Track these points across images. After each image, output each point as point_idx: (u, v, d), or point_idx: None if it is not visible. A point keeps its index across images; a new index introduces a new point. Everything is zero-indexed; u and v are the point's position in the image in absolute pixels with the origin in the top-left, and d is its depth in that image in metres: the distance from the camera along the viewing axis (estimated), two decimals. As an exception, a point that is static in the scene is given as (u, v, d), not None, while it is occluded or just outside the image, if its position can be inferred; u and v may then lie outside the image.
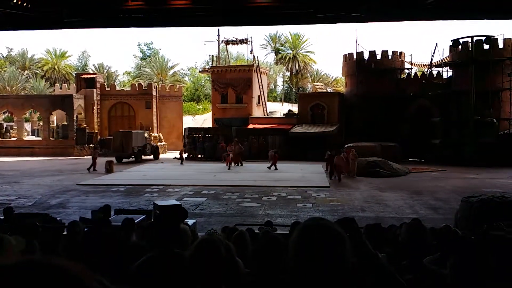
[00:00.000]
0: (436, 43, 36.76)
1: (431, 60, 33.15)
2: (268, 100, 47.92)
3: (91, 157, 25.96)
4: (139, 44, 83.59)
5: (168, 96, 42.89)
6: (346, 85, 37.65)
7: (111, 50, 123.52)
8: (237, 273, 2.56)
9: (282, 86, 71.75)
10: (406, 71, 34.90)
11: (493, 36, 28.57)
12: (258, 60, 41.32)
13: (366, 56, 33.90)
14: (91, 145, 33.31)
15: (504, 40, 29.56)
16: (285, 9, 14.72)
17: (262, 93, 40.09)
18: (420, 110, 31.88)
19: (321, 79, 67.22)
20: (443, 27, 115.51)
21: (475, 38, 28.55)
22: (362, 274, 1.79)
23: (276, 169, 24.56)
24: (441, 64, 32.55)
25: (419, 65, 36.48)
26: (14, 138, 38.58)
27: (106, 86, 42.23)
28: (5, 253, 2.00)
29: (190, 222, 7.95)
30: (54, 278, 0.71)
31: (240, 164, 26.88)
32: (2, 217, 7.90)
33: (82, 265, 0.75)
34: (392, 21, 17.47)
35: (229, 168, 26.04)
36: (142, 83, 43.95)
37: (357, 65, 33.67)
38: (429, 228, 5.69)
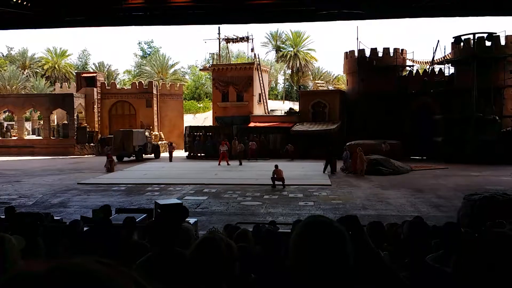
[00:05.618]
0: (438, 40, 37.05)
1: (433, 57, 33.08)
2: (269, 98, 47.90)
3: (105, 156, 25.92)
4: (139, 43, 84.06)
5: (168, 95, 42.89)
6: (347, 82, 37.60)
7: (112, 49, 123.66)
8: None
9: (283, 84, 71.74)
10: (407, 68, 34.78)
11: (495, 33, 28.46)
12: (259, 58, 41.28)
13: (367, 53, 33.80)
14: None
15: (506, 37, 29.45)
16: (286, 6, 14.67)
17: (263, 91, 40.05)
18: (422, 107, 31.82)
19: (322, 77, 67.17)
20: (444, 24, 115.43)
21: (477, 35, 28.45)
22: (363, 272, 1.78)
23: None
24: (443, 61, 32.46)
25: (420, 62, 36.39)
26: (15, 137, 38.64)
27: (106, 84, 42.24)
28: (6, 253, 1.98)
29: (192, 220, 7.94)
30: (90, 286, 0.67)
31: (240, 163, 26.97)
32: (3, 216, 7.89)
33: (119, 267, 0.71)
34: (393, 18, 17.42)
35: (240, 164, 26.85)
36: (143, 82, 43.94)
37: (358, 63, 33.59)
38: (431, 226, 5.67)
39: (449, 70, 32.55)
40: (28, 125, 46.64)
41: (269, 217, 11.82)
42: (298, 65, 64.45)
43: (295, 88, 64.04)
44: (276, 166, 18.37)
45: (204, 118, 53.93)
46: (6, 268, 1.82)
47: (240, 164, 27.04)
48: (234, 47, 60.45)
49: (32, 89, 59.92)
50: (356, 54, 34.27)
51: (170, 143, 32.35)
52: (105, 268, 0.70)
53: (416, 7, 14.30)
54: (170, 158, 30.58)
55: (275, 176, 17.89)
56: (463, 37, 28.75)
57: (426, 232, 3.08)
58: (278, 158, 30.06)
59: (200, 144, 33.03)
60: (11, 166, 26.91)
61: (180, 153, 35.79)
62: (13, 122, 43.32)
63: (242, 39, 42.68)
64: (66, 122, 37.38)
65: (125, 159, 30.09)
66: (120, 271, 0.71)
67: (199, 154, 32.88)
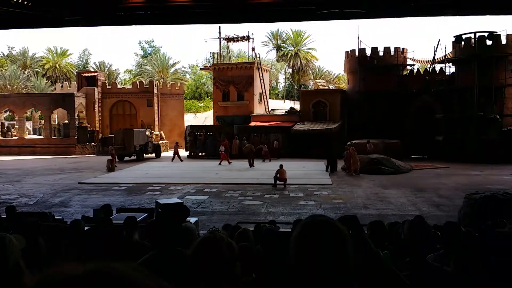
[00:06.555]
0: (439, 39, 36.80)
1: (434, 56, 33.03)
2: (270, 98, 47.90)
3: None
4: (140, 42, 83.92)
5: (169, 94, 42.90)
6: (348, 82, 37.57)
7: (112, 48, 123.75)
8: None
9: (283, 84, 71.67)
10: (408, 67, 34.75)
11: (496, 32, 28.42)
12: (259, 57, 41.29)
13: (368, 52, 33.79)
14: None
15: (507, 36, 29.40)
16: (286, 5, 14.65)
17: (263, 90, 40.05)
18: (423, 106, 31.77)
19: (323, 76, 67.09)
20: (445, 23, 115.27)
21: (478, 34, 28.41)
22: (363, 272, 1.78)
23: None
24: (443, 60, 32.42)
25: (421, 61, 36.34)
26: (16, 137, 38.67)
27: (107, 84, 42.22)
28: (7, 252, 1.98)
29: (192, 220, 7.94)
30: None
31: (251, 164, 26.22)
32: (4, 216, 7.89)
33: (146, 271, 0.74)
34: (394, 17, 17.41)
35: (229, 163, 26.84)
36: (144, 81, 43.97)
37: (359, 62, 33.56)
38: (432, 225, 5.66)
39: (450, 69, 32.53)
40: (29, 125, 46.70)
41: (270, 216, 11.82)
42: (298, 64, 64.41)
43: (295, 87, 64.00)
44: (281, 166, 18.28)
45: (204, 118, 53.92)
46: (6, 268, 1.82)
47: (252, 166, 25.75)
48: (234, 47, 60.53)
49: (33, 89, 59.94)
50: (357, 53, 34.25)
51: (176, 143, 31.49)
52: (140, 275, 0.72)
53: (417, 6, 14.28)
54: (176, 157, 29.32)
55: (278, 175, 17.85)
56: (464, 36, 28.72)
57: (426, 232, 3.08)
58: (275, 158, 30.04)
59: (201, 143, 33.04)
60: (12, 165, 26.94)
61: (181, 152, 35.76)
62: (14, 122, 43.36)
63: (242, 39, 42.69)
64: (67, 121, 37.38)
65: (126, 158, 30.10)
66: (154, 279, 0.74)
67: (200, 154, 32.88)
